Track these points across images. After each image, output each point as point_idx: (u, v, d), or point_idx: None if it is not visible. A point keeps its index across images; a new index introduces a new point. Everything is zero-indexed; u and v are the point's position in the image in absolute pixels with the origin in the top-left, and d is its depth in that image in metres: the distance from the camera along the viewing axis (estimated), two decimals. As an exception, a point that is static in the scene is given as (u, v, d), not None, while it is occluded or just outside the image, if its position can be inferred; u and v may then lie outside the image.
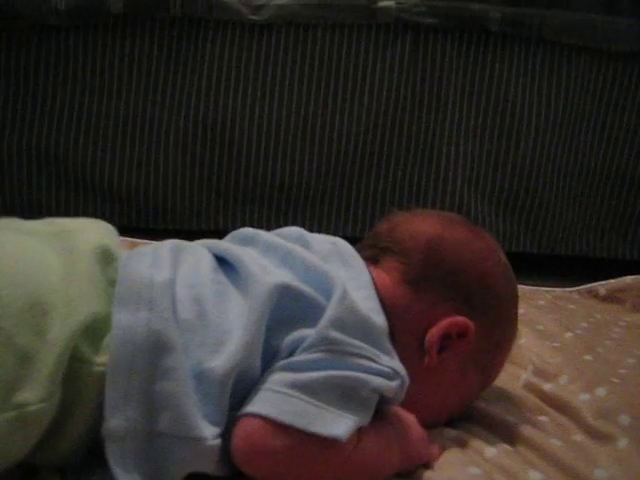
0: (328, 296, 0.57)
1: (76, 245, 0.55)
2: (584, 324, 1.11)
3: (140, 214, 1.41)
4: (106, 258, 0.56)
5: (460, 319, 0.62)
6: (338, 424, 0.52)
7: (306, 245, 0.64)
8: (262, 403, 0.52)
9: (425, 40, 1.40)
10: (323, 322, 0.55)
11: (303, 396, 0.52)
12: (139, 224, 1.40)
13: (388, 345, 0.58)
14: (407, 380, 0.57)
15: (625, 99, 1.49)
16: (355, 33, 1.39)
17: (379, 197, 1.45)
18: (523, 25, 1.40)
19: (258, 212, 1.44)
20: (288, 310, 0.56)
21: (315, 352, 0.54)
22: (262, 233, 0.65)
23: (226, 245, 0.62)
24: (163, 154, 1.40)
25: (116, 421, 0.50)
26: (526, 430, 0.66)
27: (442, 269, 0.64)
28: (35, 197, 1.38)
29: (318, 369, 0.53)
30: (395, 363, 0.57)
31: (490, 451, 0.63)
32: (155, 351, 0.51)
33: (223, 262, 0.61)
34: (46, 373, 0.48)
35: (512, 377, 0.80)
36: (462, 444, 0.64)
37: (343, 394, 0.53)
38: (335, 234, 1.42)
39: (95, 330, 0.51)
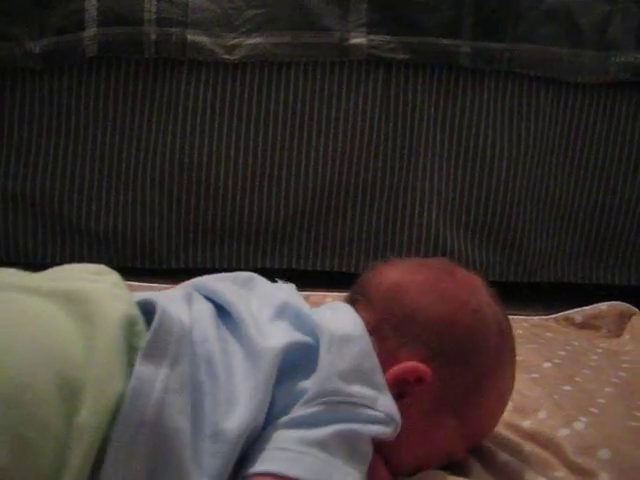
0: (316, 340, 0.58)
1: (95, 312, 0.53)
2: (562, 352, 1.12)
3: (119, 254, 1.41)
4: (128, 327, 0.53)
5: (412, 364, 0.61)
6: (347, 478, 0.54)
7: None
8: (278, 462, 0.52)
9: (397, 76, 1.43)
10: (319, 373, 0.56)
11: (318, 453, 0.53)
12: (119, 264, 1.40)
13: (383, 381, 0.59)
14: (400, 423, 0.58)
15: (593, 129, 1.52)
16: (328, 70, 1.40)
17: (355, 233, 1.46)
18: (493, 59, 1.43)
19: (237, 250, 1.44)
20: (287, 365, 0.57)
21: (315, 405, 0.55)
22: (258, 280, 0.68)
23: (228, 297, 0.62)
24: (140, 195, 1.40)
25: (115, 474, 0.49)
26: (514, 468, 0.67)
27: (399, 314, 0.64)
28: (13, 240, 1.38)
29: (324, 424, 0.54)
30: (390, 405, 0.58)
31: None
32: (166, 412, 0.51)
33: (221, 309, 0.61)
34: (78, 464, 0.47)
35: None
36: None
37: (348, 449, 0.54)
38: (313, 269, 1.44)
39: (116, 407, 0.49)
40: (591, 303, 1.33)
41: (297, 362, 0.57)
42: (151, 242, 1.42)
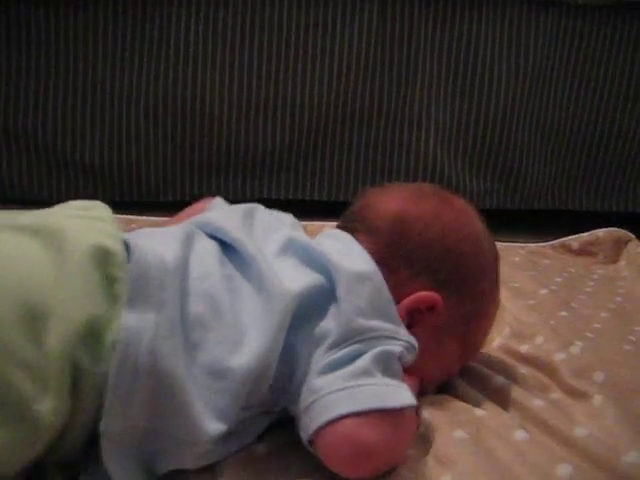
0: (331, 280, 0.59)
1: (66, 242, 0.52)
2: (558, 279, 1.13)
3: (116, 188, 1.41)
4: (100, 254, 0.52)
5: (425, 294, 0.63)
6: (403, 393, 0.56)
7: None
8: (339, 404, 0.53)
9: (393, 3, 1.39)
10: (341, 316, 0.56)
11: (368, 379, 0.55)
12: (115, 198, 1.40)
13: (397, 313, 0.60)
14: (417, 351, 0.60)
15: (593, 55, 1.50)
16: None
17: (352, 163, 1.46)
18: (491, -19, 1.40)
19: (233, 181, 1.44)
20: (303, 309, 0.57)
21: (345, 347, 0.56)
22: (259, 212, 0.67)
23: (235, 234, 0.61)
24: (135, 128, 1.39)
25: (115, 420, 0.50)
26: (509, 391, 0.68)
27: (407, 246, 0.65)
28: (8, 177, 1.37)
29: (359, 357, 0.56)
30: (408, 335, 0.60)
31: (477, 412, 0.64)
32: (160, 356, 0.50)
33: (227, 247, 0.61)
34: (53, 384, 0.47)
35: (488, 340, 0.82)
36: (448, 407, 0.65)
37: (385, 367, 0.56)
38: (310, 199, 1.44)
39: (94, 336, 0.49)
40: (588, 230, 1.33)
41: (312, 304, 0.58)
42: (147, 175, 1.41)
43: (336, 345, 0.56)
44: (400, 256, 0.64)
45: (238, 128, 1.41)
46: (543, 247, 1.35)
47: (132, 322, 0.50)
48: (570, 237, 1.35)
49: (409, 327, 0.61)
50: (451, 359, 0.68)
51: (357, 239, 0.65)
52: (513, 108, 1.48)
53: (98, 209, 0.60)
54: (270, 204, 0.74)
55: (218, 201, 0.77)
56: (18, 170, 1.38)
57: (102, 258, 0.52)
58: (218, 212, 0.69)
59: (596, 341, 0.83)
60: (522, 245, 1.36)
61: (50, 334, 0.47)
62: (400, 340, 0.58)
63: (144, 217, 1.21)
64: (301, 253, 0.61)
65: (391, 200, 0.68)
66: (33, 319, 0.47)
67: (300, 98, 1.41)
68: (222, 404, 0.53)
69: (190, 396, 0.51)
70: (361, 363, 0.55)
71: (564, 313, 0.94)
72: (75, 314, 0.49)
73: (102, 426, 0.50)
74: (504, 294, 0.99)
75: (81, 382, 0.49)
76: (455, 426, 0.61)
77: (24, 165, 1.38)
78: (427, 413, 0.63)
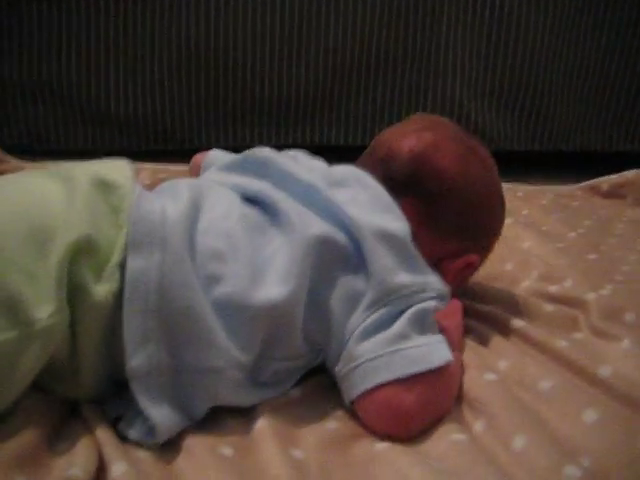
0: (351, 236, 0.59)
1: (74, 175, 0.55)
2: (587, 222, 1.12)
3: (140, 137, 1.41)
4: (104, 186, 0.55)
5: (473, 258, 0.67)
6: (441, 350, 0.57)
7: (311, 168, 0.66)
8: (379, 372, 0.55)
9: (418, -61, 1.36)
10: (373, 277, 0.57)
11: (406, 343, 0.56)
12: (140, 147, 1.40)
13: (425, 263, 0.61)
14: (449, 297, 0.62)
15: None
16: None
17: (378, 105, 1.44)
18: None
19: (257, 128, 1.43)
20: (327, 257, 0.58)
21: (380, 308, 0.57)
22: (274, 160, 0.65)
23: (256, 186, 0.62)
24: (158, 77, 1.38)
25: (138, 360, 0.51)
26: (535, 333, 0.68)
27: (459, 210, 0.66)
28: (34, 128, 1.38)
29: (395, 319, 0.57)
30: (438, 283, 0.61)
31: (504, 357, 0.65)
32: (170, 292, 0.52)
33: (251, 202, 0.62)
34: (51, 291, 0.48)
35: (514, 282, 0.82)
36: (476, 351, 0.66)
37: (422, 326, 0.58)
38: (335, 144, 1.43)
39: (95, 254, 0.51)
40: (617, 171, 1.32)
41: (337, 257, 0.58)
42: (171, 124, 1.41)
43: (371, 307, 0.57)
44: (444, 216, 0.65)
45: (261, 74, 1.39)
46: (572, 190, 1.34)
47: (137, 264, 0.52)
48: (599, 179, 1.33)
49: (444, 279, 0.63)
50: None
51: (396, 192, 0.64)
52: (541, 48, 1.44)
53: (116, 160, 0.61)
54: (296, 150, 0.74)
55: (214, 153, 0.80)
56: (44, 122, 1.38)
57: (107, 189, 0.55)
58: (228, 160, 0.69)
59: (626, 284, 0.83)
60: (550, 188, 1.35)
61: (53, 249, 0.49)
62: (430, 292, 0.59)
63: (172, 166, 1.21)
64: (321, 206, 0.61)
65: (442, 159, 0.66)
66: (40, 237, 0.50)
67: (325, 43, 1.39)
68: (245, 335, 0.54)
69: (211, 324, 0.53)
70: (398, 327, 0.56)
71: (593, 256, 0.94)
72: (77, 230, 0.50)
73: (128, 370, 0.51)
74: (532, 237, 0.99)
75: (80, 297, 0.50)
76: (484, 370, 0.62)
77: (50, 117, 1.38)
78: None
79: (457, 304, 0.65)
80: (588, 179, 1.35)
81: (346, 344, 0.57)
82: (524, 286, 0.81)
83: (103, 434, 0.51)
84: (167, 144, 1.42)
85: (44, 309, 0.48)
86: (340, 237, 0.59)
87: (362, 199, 0.62)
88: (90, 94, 1.37)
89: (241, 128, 1.43)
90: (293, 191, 0.61)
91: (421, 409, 0.55)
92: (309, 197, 0.61)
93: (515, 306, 0.75)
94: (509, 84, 1.45)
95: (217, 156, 0.80)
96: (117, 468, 0.47)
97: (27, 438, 0.49)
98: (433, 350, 0.57)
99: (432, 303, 0.59)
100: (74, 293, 0.50)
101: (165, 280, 0.52)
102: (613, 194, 1.29)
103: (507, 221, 0.98)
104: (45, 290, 0.48)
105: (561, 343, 0.66)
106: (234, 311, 0.54)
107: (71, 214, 0.52)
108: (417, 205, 0.64)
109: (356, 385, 0.56)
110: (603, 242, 1.01)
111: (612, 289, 0.79)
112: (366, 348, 0.56)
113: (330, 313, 0.57)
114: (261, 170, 0.64)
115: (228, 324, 0.54)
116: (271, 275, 0.56)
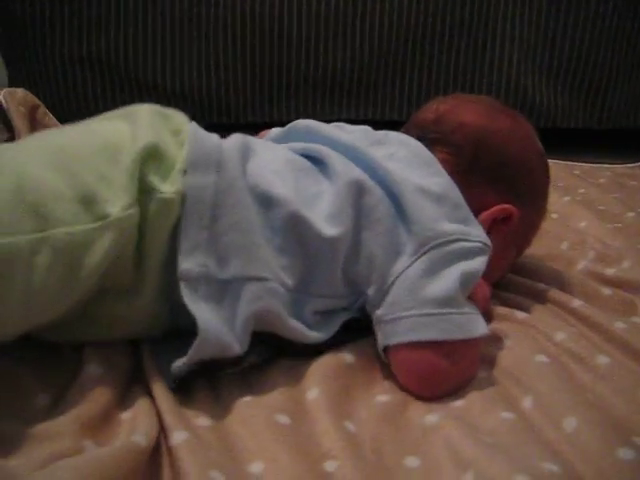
0: (389, 191, 0.61)
1: (135, 110, 0.61)
2: (646, 201, 1.10)
3: (196, 111, 1.42)
4: (164, 115, 0.61)
5: (507, 206, 0.67)
6: (478, 322, 0.59)
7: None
8: (420, 329, 0.57)
9: None
10: (414, 226, 0.59)
11: (455, 308, 0.57)
12: (196, 121, 1.41)
13: (470, 214, 0.62)
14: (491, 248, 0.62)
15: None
16: None
17: (433, 82, 1.43)
18: None
19: (312, 102, 1.43)
20: (366, 202, 0.60)
21: (424, 254, 0.58)
22: (317, 126, 0.69)
23: (303, 145, 0.66)
24: (213, 50, 1.39)
25: (188, 264, 0.54)
26: (591, 314, 0.68)
27: (490, 161, 0.68)
28: (94, 104, 1.40)
29: (443, 268, 0.58)
30: (481, 233, 0.61)
31: (558, 336, 0.64)
32: (222, 208, 0.56)
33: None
34: (123, 189, 0.53)
35: (570, 263, 0.82)
36: (527, 333, 0.66)
37: (467, 290, 0.59)
38: (390, 119, 1.43)
39: (161, 161, 0.56)
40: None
41: (378, 203, 0.60)
42: (227, 97, 1.42)
43: (415, 252, 0.59)
44: (482, 170, 0.67)
45: (317, 49, 1.39)
46: (631, 168, 1.32)
47: (194, 181, 0.56)
48: (659, 158, 1.30)
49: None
50: (507, 264, 0.74)
51: (434, 150, 0.67)
52: (601, 23, 1.41)
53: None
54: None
55: (275, 130, 0.81)
56: (103, 97, 1.40)
57: (166, 118, 0.61)
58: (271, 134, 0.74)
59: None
60: (608, 166, 1.32)
61: (124, 157, 0.54)
62: (472, 242, 0.60)
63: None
64: (361, 163, 0.63)
65: (470, 115, 0.70)
66: (112, 149, 0.55)
67: (379, 17, 1.38)
68: (288, 256, 0.58)
69: (259, 240, 0.57)
70: (450, 287, 0.57)
71: (653, 236, 0.92)
72: (145, 139, 0.55)
73: (179, 273, 0.54)
74: (589, 217, 0.97)
75: (149, 195, 0.54)
76: (536, 350, 0.62)
77: (108, 92, 1.40)
78: (509, 341, 0.64)
79: (486, 290, 0.66)
80: (648, 157, 1.33)
81: (389, 289, 0.59)
82: (580, 267, 0.80)
83: (164, 402, 0.52)
84: (221, 118, 1.43)
85: (117, 204, 0.52)
86: (378, 190, 0.61)
87: (401, 155, 0.65)
88: (147, 69, 1.39)
89: (294, 102, 1.43)
90: (336, 150, 0.64)
91: (452, 376, 0.58)
92: (350, 155, 0.63)
93: (571, 286, 0.75)
94: (568, 60, 1.43)
95: (277, 133, 0.82)
96: (177, 436, 0.49)
97: (94, 405, 0.51)
98: (473, 320, 0.58)
99: (481, 261, 0.59)
100: (144, 193, 0.54)
101: (219, 198, 0.56)
102: (673, 173, 1.26)
103: (564, 199, 0.97)
104: (118, 189, 0.53)
105: (618, 325, 0.65)
106: (282, 230, 0.58)
107: (138, 131, 0.57)
108: (448, 159, 0.67)
109: (399, 334, 0.57)
110: (662, 223, 0.99)
111: (671, 271, 0.78)
112: (418, 301, 0.57)
113: (372, 256, 0.60)
114: (306, 137, 0.68)
115: (275, 242, 0.58)
116: (319, 208, 0.59)
